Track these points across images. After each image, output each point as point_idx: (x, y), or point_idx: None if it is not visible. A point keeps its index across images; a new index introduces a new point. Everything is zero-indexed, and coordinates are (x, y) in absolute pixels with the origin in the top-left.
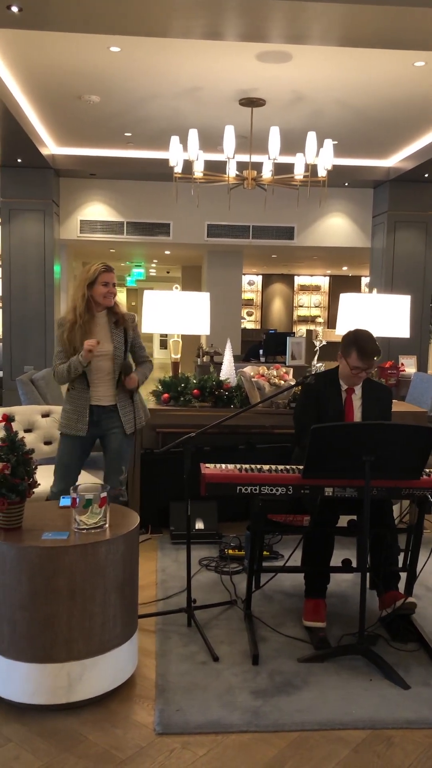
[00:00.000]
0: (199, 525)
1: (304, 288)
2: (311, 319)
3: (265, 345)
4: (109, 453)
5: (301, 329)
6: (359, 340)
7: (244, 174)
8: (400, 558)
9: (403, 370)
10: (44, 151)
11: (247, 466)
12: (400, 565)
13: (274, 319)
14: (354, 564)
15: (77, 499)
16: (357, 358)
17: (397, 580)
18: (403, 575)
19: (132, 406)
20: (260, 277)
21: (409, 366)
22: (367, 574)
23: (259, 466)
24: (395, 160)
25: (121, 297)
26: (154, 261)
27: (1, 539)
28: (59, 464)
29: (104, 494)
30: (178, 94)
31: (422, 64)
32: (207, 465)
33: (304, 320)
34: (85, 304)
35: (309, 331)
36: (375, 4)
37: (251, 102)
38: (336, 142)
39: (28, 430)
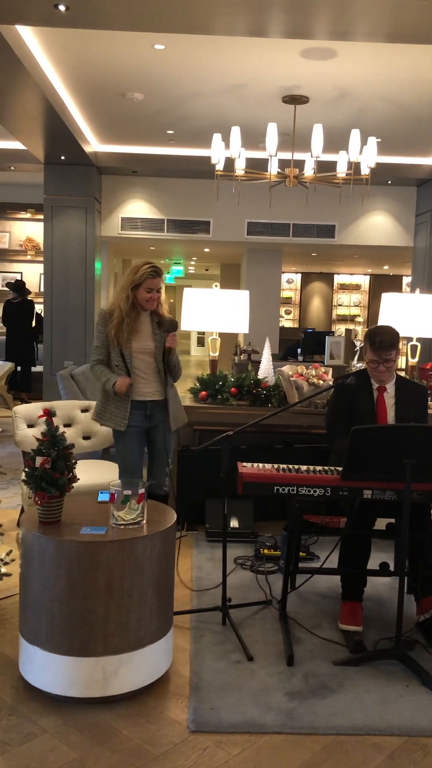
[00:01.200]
0: (234, 523)
1: (343, 287)
2: (350, 319)
3: (303, 344)
4: (156, 446)
5: (340, 328)
6: (371, 332)
7: (285, 172)
8: None
9: None
10: (87, 149)
11: (285, 466)
12: None
13: (313, 318)
14: (391, 567)
15: (115, 495)
16: (370, 349)
17: None
18: None
19: (178, 399)
20: (299, 275)
21: None
22: (405, 578)
23: (296, 467)
24: None
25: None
26: (193, 258)
27: (40, 533)
28: (120, 461)
29: (142, 490)
30: (221, 91)
31: None
32: (244, 464)
33: (344, 319)
34: (129, 304)
35: (348, 331)
36: None
37: (294, 99)
38: (379, 140)
39: (67, 425)
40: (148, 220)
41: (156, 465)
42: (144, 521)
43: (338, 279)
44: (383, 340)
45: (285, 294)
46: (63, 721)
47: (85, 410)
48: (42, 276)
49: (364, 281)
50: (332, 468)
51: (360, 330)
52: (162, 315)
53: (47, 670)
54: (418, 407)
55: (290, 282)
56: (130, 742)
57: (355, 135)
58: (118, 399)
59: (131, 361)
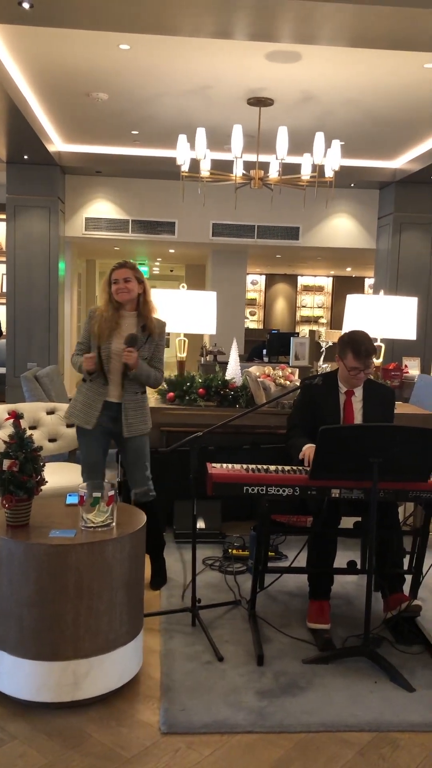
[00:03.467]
0: (201, 524)
1: (307, 288)
2: (314, 320)
3: (268, 345)
4: (128, 453)
5: (303, 329)
6: (353, 340)
7: (250, 173)
8: (406, 560)
9: (407, 372)
10: (51, 148)
11: (254, 466)
12: (406, 567)
13: (277, 319)
14: (359, 566)
15: (84, 497)
16: (353, 358)
17: (402, 582)
18: (408, 578)
19: (140, 408)
20: (263, 276)
21: (412, 368)
22: (373, 576)
23: (265, 467)
24: (402, 161)
25: None
26: (158, 259)
27: (8, 536)
28: (84, 464)
29: (112, 492)
30: (187, 92)
31: None
32: (213, 465)
33: (307, 321)
34: (106, 298)
35: (312, 332)
36: (386, 5)
37: (259, 101)
38: (343, 143)
39: (32, 427)
40: (113, 220)
41: (134, 473)
42: (113, 523)
43: (302, 280)
44: (368, 349)
45: (249, 295)
46: (33, 726)
47: (50, 412)
48: (4, 277)
49: (327, 283)
50: (300, 468)
51: (323, 331)
52: (147, 318)
53: (16, 675)
54: (386, 409)
55: (255, 283)
56: (101, 745)
57: (319, 138)
58: (91, 393)
59: (108, 361)
